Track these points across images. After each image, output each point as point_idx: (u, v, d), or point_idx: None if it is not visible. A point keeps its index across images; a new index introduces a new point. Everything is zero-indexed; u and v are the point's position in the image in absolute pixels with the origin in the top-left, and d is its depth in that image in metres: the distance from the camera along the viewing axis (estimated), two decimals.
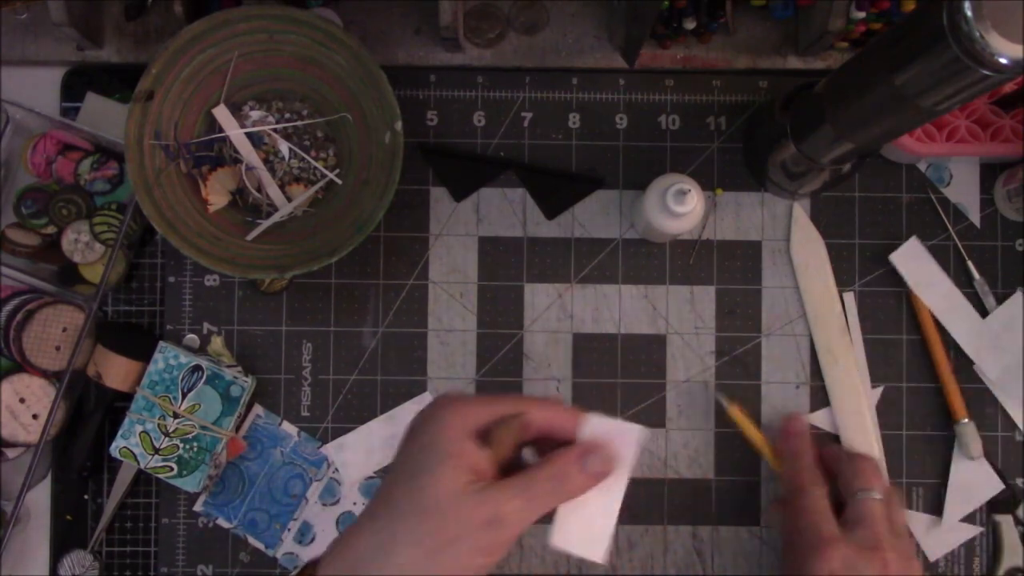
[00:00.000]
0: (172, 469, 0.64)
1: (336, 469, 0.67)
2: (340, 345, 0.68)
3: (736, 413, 0.65)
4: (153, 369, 0.65)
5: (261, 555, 0.67)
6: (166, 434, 0.64)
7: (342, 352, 0.68)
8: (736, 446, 0.67)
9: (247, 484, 0.66)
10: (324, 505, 0.66)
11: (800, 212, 0.68)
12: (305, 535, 0.66)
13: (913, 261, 0.68)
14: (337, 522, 0.66)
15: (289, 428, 0.67)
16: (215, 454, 0.64)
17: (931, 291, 0.67)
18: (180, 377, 0.65)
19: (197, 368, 0.65)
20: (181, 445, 0.64)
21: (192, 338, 0.67)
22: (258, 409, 0.67)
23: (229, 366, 0.65)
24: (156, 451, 0.64)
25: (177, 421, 0.64)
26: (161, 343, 0.65)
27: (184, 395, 0.64)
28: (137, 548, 0.67)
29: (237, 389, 0.65)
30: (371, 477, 0.67)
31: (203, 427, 0.64)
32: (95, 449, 0.65)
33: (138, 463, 0.64)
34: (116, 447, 0.64)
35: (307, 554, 0.66)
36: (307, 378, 0.67)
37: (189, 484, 0.64)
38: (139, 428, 0.64)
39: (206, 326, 0.67)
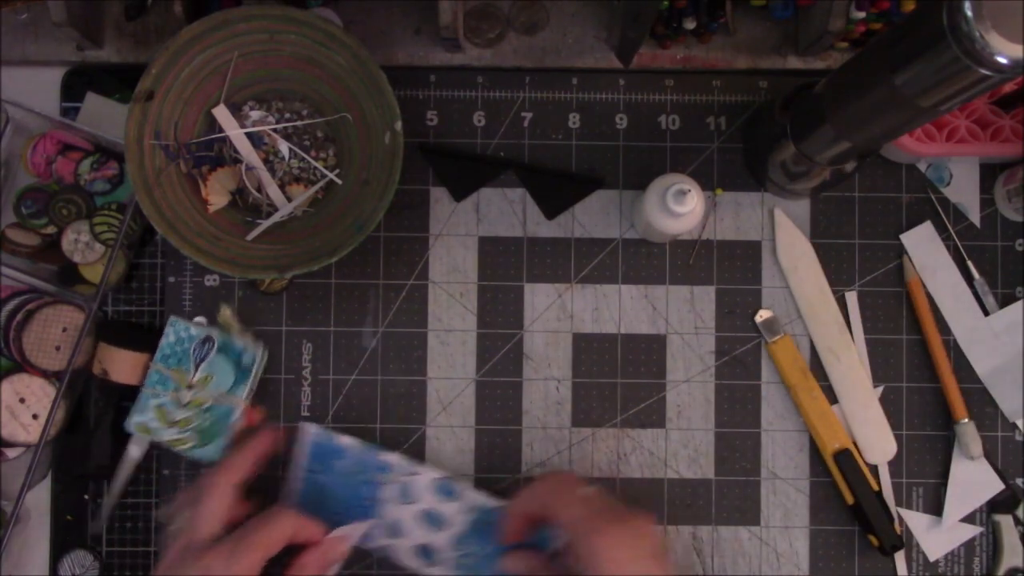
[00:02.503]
0: (190, 441, 0.64)
1: (404, 472, 0.65)
2: (340, 345, 0.68)
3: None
4: (164, 343, 0.65)
5: None
6: (181, 406, 0.64)
7: (342, 352, 0.68)
8: (736, 446, 0.67)
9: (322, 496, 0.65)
10: (401, 505, 0.65)
11: (782, 216, 0.68)
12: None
13: (924, 244, 0.68)
14: (422, 517, 0.64)
15: (347, 440, 0.65)
16: (232, 423, 0.64)
17: (937, 278, 0.67)
18: (192, 349, 0.64)
19: (208, 339, 0.65)
20: (197, 417, 0.64)
21: (201, 320, 0.67)
22: (312, 427, 0.65)
23: (239, 335, 0.65)
24: (173, 424, 0.64)
25: (191, 392, 0.64)
26: (172, 317, 0.65)
27: (196, 367, 0.64)
28: (137, 548, 0.67)
29: (248, 357, 0.65)
30: (440, 478, 0.65)
31: (217, 397, 0.64)
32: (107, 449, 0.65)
33: (154, 437, 0.64)
34: (131, 422, 0.64)
35: None
36: (307, 378, 0.67)
37: (208, 454, 0.64)
38: (154, 402, 0.64)
39: None
